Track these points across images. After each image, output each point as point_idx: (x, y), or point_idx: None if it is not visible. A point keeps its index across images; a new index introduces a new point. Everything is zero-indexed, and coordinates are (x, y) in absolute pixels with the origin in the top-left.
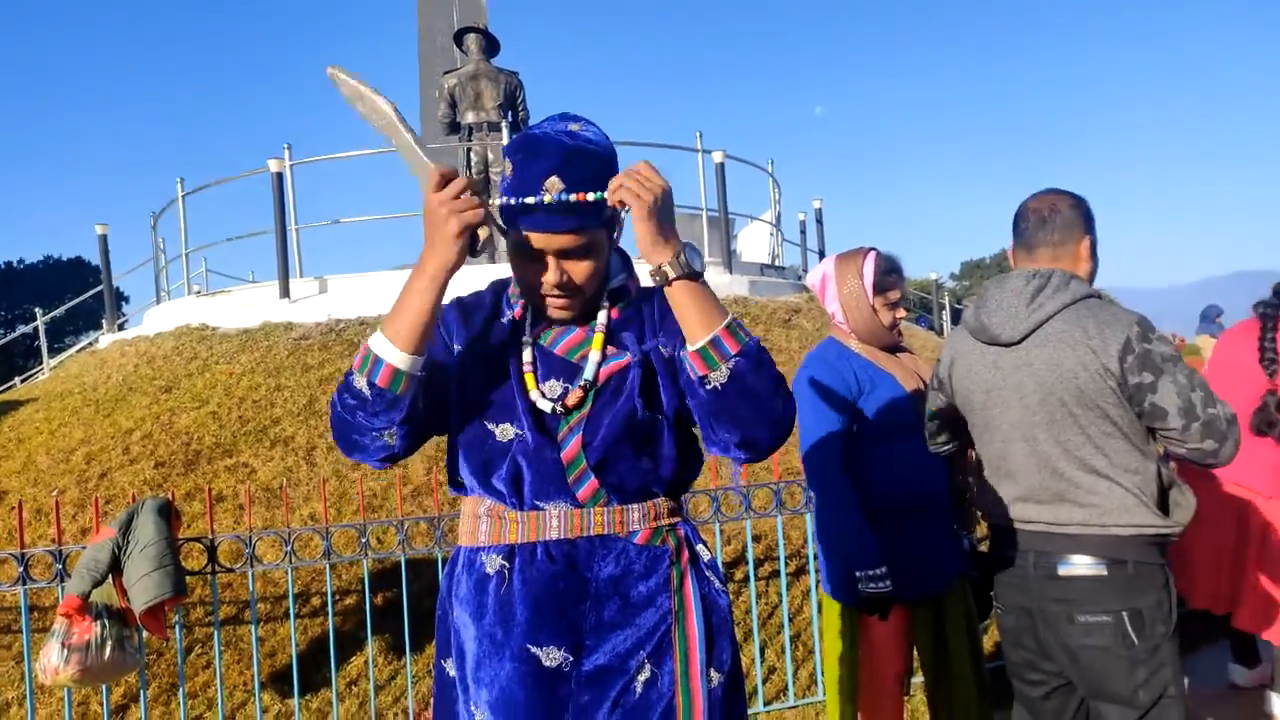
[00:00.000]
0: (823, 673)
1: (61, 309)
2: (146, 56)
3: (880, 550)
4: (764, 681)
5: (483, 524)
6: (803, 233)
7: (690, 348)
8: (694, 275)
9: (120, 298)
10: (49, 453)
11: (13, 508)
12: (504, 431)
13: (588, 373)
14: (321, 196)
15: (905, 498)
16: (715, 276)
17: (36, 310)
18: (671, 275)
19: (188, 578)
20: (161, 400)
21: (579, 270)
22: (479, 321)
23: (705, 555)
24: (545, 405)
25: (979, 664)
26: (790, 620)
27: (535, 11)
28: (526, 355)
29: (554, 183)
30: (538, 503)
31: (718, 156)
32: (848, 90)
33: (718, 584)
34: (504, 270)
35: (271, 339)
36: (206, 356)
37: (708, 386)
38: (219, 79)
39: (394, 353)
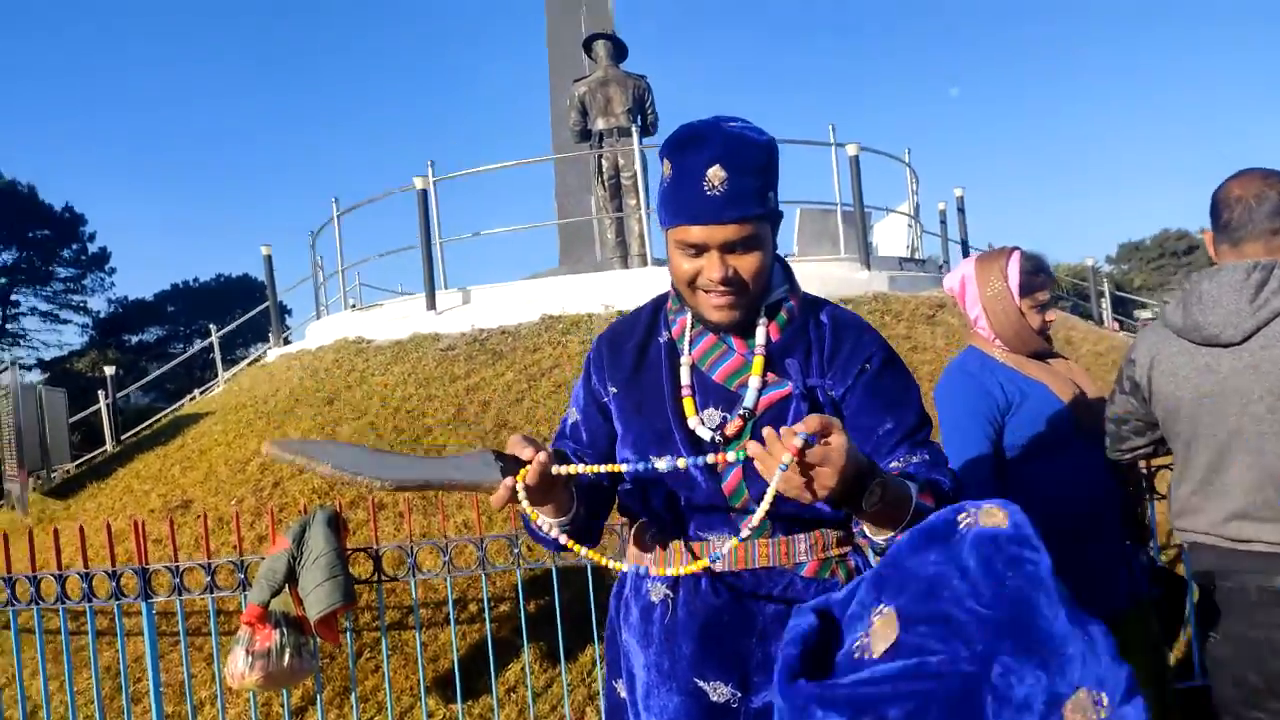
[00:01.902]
0: None
1: (231, 326)
2: (292, 86)
3: None
4: None
5: (648, 551)
6: (943, 223)
7: (868, 535)
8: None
9: (284, 311)
10: (227, 463)
11: (199, 516)
12: (664, 462)
13: (747, 400)
14: (462, 207)
15: (1067, 518)
16: (852, 273)
17: (210, 327)
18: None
19: (356, 585)
20: (325, 412)
21: (745, 264)
22: (632, 348)
23: None
24: (704, 434)
25: (1163, 689)
26: None
27: (660, 13)
28: (685, 378)
29: (716, 172)
30: (701, 534)
31: (852, 150)
32: (984, 67)
33: None
34: (656, 279)
35: (421, 350)
36: (363, 369)
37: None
38: (360, 98)
39: (548, 523)
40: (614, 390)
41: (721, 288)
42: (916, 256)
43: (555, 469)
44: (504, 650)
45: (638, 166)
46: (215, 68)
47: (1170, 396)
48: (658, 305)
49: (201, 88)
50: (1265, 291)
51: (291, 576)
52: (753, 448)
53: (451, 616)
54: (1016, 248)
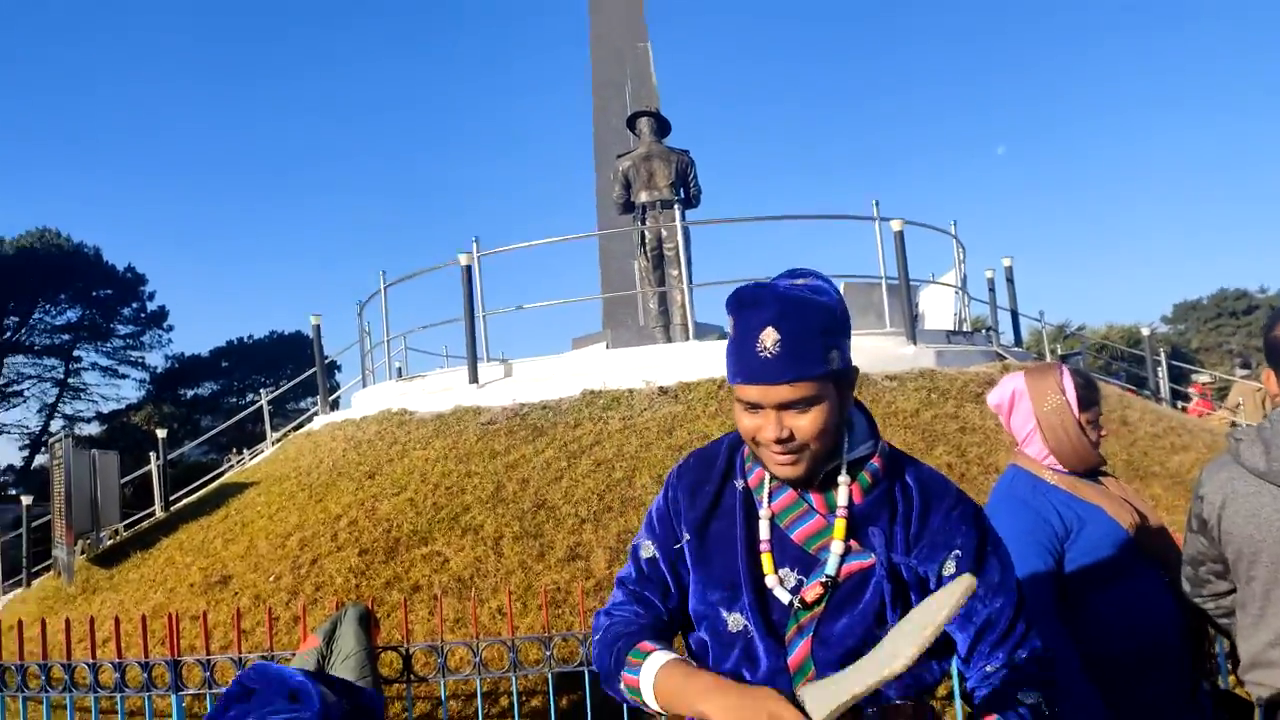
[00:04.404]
0: None
1: (282, 388)
2: (346, 163)
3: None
4: None
5: None
6: (991, 291)
7: None
8: None
9: (334, 367)
10: (268, 538)
11: (236, 593)
12: (735, 622)
13: (829, 567)
14: (507, 278)
15: (1129, 651)
16: (898, 348)
17: (262, 390)
18: None
19: (385, 684)
20: (366, 486)
21: (802, 424)
22: (709, 493)
23: None
24: (783, 596)
25: None
26: None
27: (704, 91)
28: (763, 532)
29: (769, 334)
30: None
31: (896, 225)
32: (1033, 125)
33: None
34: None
35: (462, 424)
36: (405, 441)
37: None
38: (408, 175)
39: (656, 708)
40: (687, 537)
41: (777, 446)
42: (964, 328)
43: None
44: None
45: (680, 238)
46: (275, 138)
47: (1248, 539)
48: (735, 445)
49: (262, 156)
50: None
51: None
52: None
53: (480, 714)
54: (1063, 363)
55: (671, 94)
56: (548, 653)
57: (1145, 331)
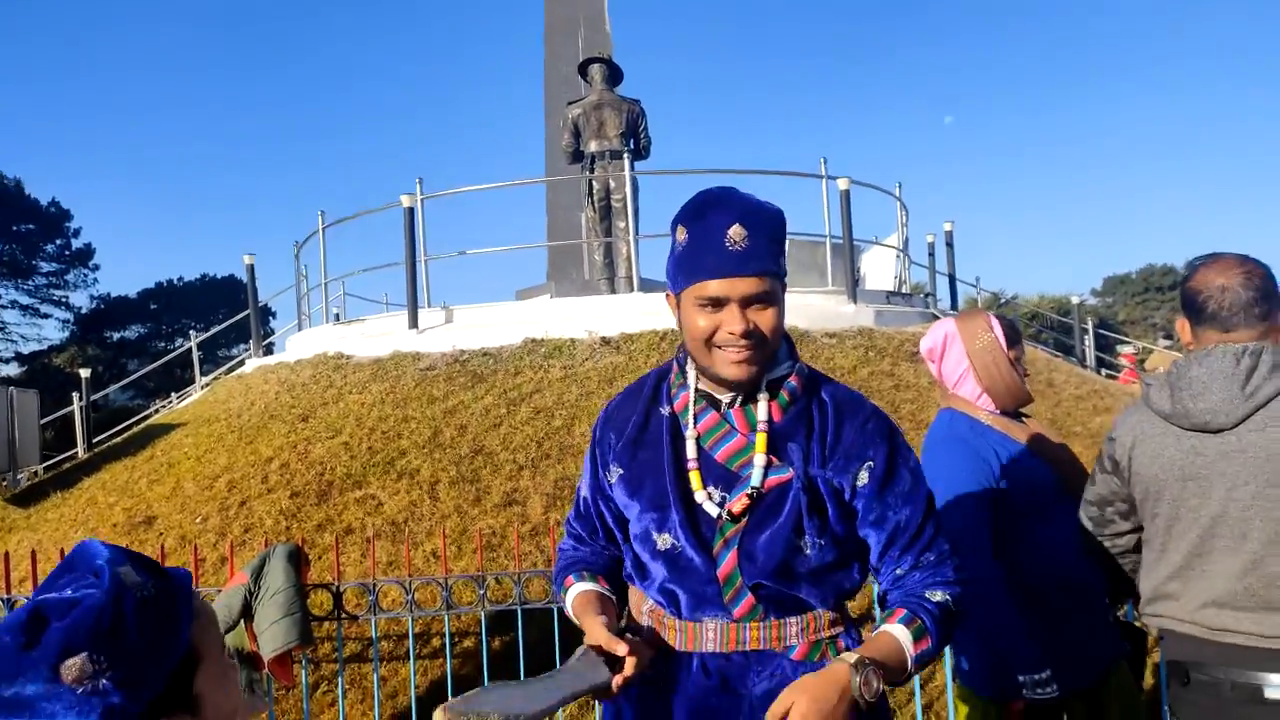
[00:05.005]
0: None
1: (212, 331)
2: (284, 99)
3: (1044, 652)
4: None
5: (645, 621)
6: (931, 255)
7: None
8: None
9: (268, 313)
10: (195, 479)
11: (161, 534)
12: (663, 540)
13: (754, 479)
14: (450, 224)
15: (1053, 583)
16: (839, 307)
17: (191, 331)
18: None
19: (315, 622)
20: (299, 429)
21: (763, 319)
22: (636, 422)
23: None
24: (711, 510)
25: None
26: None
27: (656, 42)
28: (690, 450)
29: (738, 229)
30: (693, 615)
31: (843, 184)
32: (978, 96)
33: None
34: (645, 309)
35: (401, 369)
36: (341, 385)
37: None
38: (354, 112)
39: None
40: (619, 471)
41: (742, 341)
42: (904, 290)
43: (647, 659)
44: (465, 688)
45: (628, 189)
46: (208, 74)
47: (1153, 478)
48: (661, 376)
49: (194, 93)
50: (1255, 378)
51: (247, 613)
52: None
53: (412, 654)
54: (985, 311)
55: (625, 42)
56: (481, 592)
57: (1075, 301)
